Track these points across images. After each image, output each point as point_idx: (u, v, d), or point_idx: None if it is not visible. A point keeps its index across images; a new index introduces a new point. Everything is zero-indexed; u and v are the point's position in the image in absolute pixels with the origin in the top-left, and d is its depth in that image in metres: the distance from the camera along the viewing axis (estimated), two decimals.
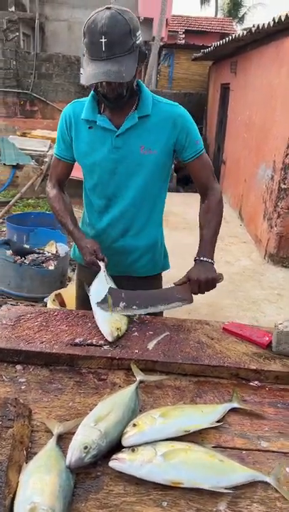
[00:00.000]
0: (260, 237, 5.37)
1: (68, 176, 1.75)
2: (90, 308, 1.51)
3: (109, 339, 1.32)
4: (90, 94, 1.57)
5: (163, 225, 1.79)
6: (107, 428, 0.98)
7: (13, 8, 10.90)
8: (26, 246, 4.30)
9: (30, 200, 7.13)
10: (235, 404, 1.14)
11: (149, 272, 1.78)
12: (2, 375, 1.22)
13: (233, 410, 1.14)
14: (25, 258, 4.10)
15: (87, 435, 0.96)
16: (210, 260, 1.57)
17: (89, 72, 1.35)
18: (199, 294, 1.53)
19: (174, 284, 1.54)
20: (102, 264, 1.55)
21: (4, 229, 5.32)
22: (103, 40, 1.31)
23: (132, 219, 1.64)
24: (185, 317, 3.36)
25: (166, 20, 12.18)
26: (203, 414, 1.07)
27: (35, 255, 4.24)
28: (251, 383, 1.25)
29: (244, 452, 1.02)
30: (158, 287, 1.82)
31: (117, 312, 1.43)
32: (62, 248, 4.30)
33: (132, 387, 1.13)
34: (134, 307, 1.46)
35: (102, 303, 1.44)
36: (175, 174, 8.79)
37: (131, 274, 1.74)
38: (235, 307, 3.79)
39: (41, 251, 4.31)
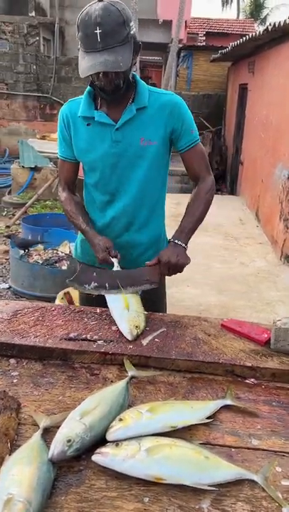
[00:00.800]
0: (276, 238, 5.28)
1: (76, 176, 1.74)
2: (93, 306, 1.52)
3: (129, 338, 1.31)
4: (85, 91, 1.56)
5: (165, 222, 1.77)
6: (92, 422, 0.96)
7: (33, 13, 11.06)
8: (29, 238, 4.36)
9: (47, 202, 7.20)
10: (228, 402, 1.11)
11: None
12: None
13: (227, 407, 1.11)
14: (28, 250, 4.17)
15: (72, 428, 0.95)
16: (183, 245, 1.56)
17: (85, 64, 1.35)
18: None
19: (146, 264, 1.54)
20: (115, 260, 1.54)
21: (20, 230, 5.39)
22: (98, 31, 1.31)
23: (135, 213, 1.64)
24: None
25: (186, 22, 12.16)
26: (193, 411, 1.05)
27: (49, 255, 4.28)
28: (247, 380, 1.22)
29: (233, 450, 0.99)
30: (162, 284, 1.79)
31: (88, 291, 1.48)
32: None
33: (123, 382, 1.12)
34: (105, 288, 1.48)
35: (73, 280, 1.48)
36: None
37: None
38: (249, 308, 3.73)
39: (50, 248, 4.37)
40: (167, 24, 12.31)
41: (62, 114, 1.61)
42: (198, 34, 17.24)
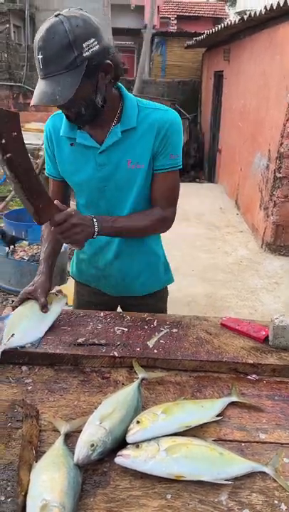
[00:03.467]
0: (256, 226, 5.40)
1: (65, 196, 1.60)
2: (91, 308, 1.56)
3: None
4: None
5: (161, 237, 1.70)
6: (111, 426, 1.02)
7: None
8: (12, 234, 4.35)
9: None
10: (234, 398, 1.19)
11: (150, 289, 1.69)
12: (9, 376, 1.26)
13: (233, 404, 1.18)
14: (14, 247, 4.16)
15: (93, 433, 1.00)
16: (96, 228, 1.34)
17: (34, 92, 1.22)
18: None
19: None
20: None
21: (2, 225, 5.34)
22: (40, 56, 1.17)
23: (128, 239, 1.55)
24: (185, 308, 3.42)
25: (158, 7, 12.07)
26: (203, 409, 1.12)
27: (34, 251, 4.28)
28: (249, 377, 1.30)
29: (243, 444, 1.06)
30: (162, 304, 1.77)
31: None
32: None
33: (135, 384, 1.18)
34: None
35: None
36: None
37: (131, 293, 1.66)
38: (234, 297, 3.84)
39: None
40: (140, 9, 12.21)
41: (46, 130, 1.49)
42: (170, 18, 17.12)
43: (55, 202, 1.28)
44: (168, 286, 1.81)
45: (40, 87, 1.19)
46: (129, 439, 1.01)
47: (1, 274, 4.13)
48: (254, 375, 1.30)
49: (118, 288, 1.63)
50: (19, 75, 10.54)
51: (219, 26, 6.95)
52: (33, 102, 1.21)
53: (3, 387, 1.21)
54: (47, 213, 1.26)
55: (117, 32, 11.83)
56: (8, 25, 10.40)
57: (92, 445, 0.98)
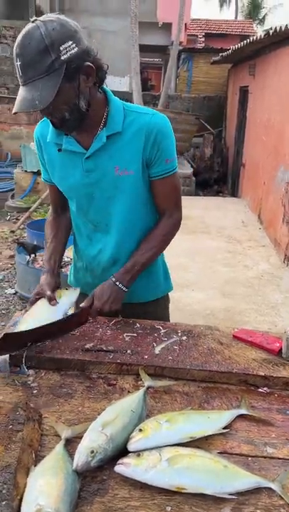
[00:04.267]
0: (279, 240, 5.32)
1: (62, 198, 1.59)
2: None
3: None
4: None
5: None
6: (113, 433, 1.00)
7: (34, 18, 11.09)
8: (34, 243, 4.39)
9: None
10: (243, 411, 1.14)
11: (149, 297, 1.65)
12: (15, 379, 1.25)
13: (241, 416, 1.14)
14: (35, 256, 4.21)
15: (94, 439, 0.98)
16: (124, 288, 1.46)
17: (16, 100, 1.21)
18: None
19: (81, 306, 1.45)
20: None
21: (25, 235, 5.43)
22: (18, 63, 1.16)
23: (122, 247, 1.51)
24: (202, 321, 3.38)
25: (185, 24, 12.23)
26: (210, 421, 1.08)
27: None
28: (260, 389, 1.25)
29: (250, 459, 1.02)
30: (163, 312, 1.73)
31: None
32: None
33: (140, 392, 1.15)
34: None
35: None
36: (194, 178, 8.78)
37: (130, 301, 1.58)
38: (254, 312, 3.77)
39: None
40: (167, 26, 12.39)
41: (35, 137, 1.49)
42: (197, 36, 17.30)
43: (81, 306, 1.44)
44: (169, 294, 1.78)
45: (21, 93, 1.19)
46: (131, 447, 0.98)
47: (22, 283, 4.17)
48: (265, 388, 1.25)
49: None
50: None
51: (245, 42, 6.97)
52: (14, 109, 1.21)
53: (9, 390, 1.20)
54: (84, 319, 1.45)
55: (144, 49, 12.03)
56: None
57: (92, 452, 0.95)
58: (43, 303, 1.46)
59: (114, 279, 1.46)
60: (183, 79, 13.19)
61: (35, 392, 1.21)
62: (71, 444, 1.02)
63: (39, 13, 11.57)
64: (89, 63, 1.24)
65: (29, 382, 1.24)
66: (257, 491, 0.94)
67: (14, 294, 4.27)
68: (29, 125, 10.78)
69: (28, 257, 4.20)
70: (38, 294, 1.49)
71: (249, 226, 6.25)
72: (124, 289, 1.46)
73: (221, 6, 29.89)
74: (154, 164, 1.41)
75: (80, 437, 1.01)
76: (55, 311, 1.43)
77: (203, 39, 17.24)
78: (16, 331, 1.36)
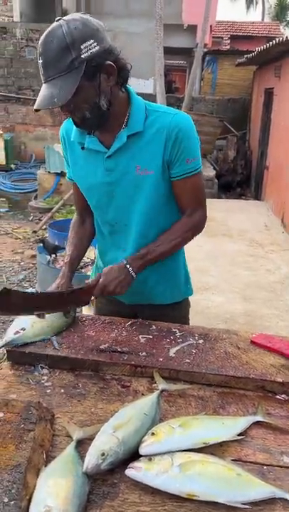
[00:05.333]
0: None
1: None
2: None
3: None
4: None
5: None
6: (125, 436, 0.98)
7: (58, 17, 11.22)
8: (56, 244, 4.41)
9: (73, 207, 7.29)
10: (259, 418, 1.11)
11: (169, 299, 1.63)
12: (29, 378, 1.25)
13: (257, 423, 1.11)
14: (56, 256, 4.23)
15: (105, 442, 0.96)
16: (133, 274, 1.42)
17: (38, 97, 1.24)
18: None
19: (86, 283, 1.45)
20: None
21: (47, 235, 5.48)
22: (40, 61, 1.20)
23: (142, 246, 1.48)
24: (220, 326, 3.33)
25: (211, 26, 12.17)
26: (224, 427, 1.05)
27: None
28: (278, 396, 1.22)
29: (265, 467, 0.99)
30: (182, 316, 1.70)
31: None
32: None
33: (154, 395, 1.13)
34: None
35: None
36: (216, 180, 8.71)
37: (151, 302, 1.61)
38: (275, 317, 3.70)
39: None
40: (192, 29, 12.35)
41: (60, 135, 1.51)
42: (222, 38, 17.22)
43: (87, 282, 1.45)
44: (190, 299, 1.75)
45: (42, 91, 1.22)
46: (142, 451, 0.97)
47: (42, 282, 4.20)
48: (283, 395, 1.22)
49: (135, 296, 1.56)
50: None
51: (270, 43, 6.88)
52: (35, 106, 1.24)
53: (22, 389, 1.20)
54: (87, 298, 1.44)
55: (169, 51, 12.02)
56: None
57: (103, 454, 0.94)
58: None
59: (125, 262, 1.42)
60: (207, 81, 13.13)
61: (48, 391, 1.20)
62: (82, 445, 1.01)
63: (65, 15, 11.70)
64: (110, 62, 1.24)
65: (43, 382, 1.24)
66: (271, 501, 0.90)
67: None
68: (53, 127, 10.92)
69: (48, 256, 4.23)
70: None
71: (272, 229, 6.16)
72: (133, 274, 1.42)
73: (248, 7, 29.68)
74: (174, 164, 1.40)
75: (92, 439, 0.99)
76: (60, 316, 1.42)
77: (228, 41, 17.14)
78: (12, 324, 1.36)
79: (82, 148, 1.42)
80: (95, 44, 1.20)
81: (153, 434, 0.99)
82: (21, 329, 1.28)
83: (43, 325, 1.32)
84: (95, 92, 1.25)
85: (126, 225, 1.48)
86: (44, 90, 1.21)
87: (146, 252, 1.45)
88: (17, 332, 1.27)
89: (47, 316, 1.35)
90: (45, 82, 1.21)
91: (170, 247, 1.48)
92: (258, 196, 8.90)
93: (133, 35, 11.76)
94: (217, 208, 6.69)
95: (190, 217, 1.50)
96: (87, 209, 1.60)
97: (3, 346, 1.26)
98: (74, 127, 1.40)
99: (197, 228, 1.52)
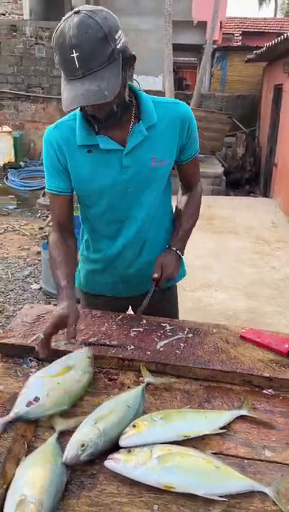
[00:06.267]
0: None
1: (70, 213, 1.49)
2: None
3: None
4: (74, 115, 1.36)
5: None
6: (106, 427, 0.99)
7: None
8: None
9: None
10: (244, 412, 1.11)
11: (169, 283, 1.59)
12: (17, 370, 1.26)
13: (242, 418, 1.10)
14: None
15: (86, 433, 0.97)
16: (180, 254, 1.52)
17: (67, 95, 1.14)
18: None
19: (153, 277, 1.44)
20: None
21: None
22: (74, 54, 1.09)
23: (147, 235, 1.50)
24: (224, 323, 3.31)
25: (221, 23, 12.08)
26: (207, 420, 1.05)
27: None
28: (264, 391, 1.21)
29: (246, 461, 0.99)
30: (175, 296, 1.76)
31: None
32: None
33: (139, 388, 1.13)
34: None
35: None
36: (224, 177, 8.67)
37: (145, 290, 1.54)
38: (278, 314, 3.67)
39: None
40: (202, 25, 12.26)
41: (51, 142, 1.38)
42: (233, 34, 17.07)
43: (154, 277, 1.44)
44: (191, 294, 1.78)
45: (78, 87, 1.12)
46: (122, 442, 0.97)
47: (46, 278, 4.22)
48: (270, 390, 1.21)
49: (141, 286, 1.54)
50: None
51: (279, 38, 6.81)
52: (73, 104, 1.14)
53: (10, 381, 1.21)
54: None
55: (180, 48, 11.95)
56: None
57: (83, 445, 0.94)
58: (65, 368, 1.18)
59: (174, 248, 1.51)
60: (217, 78, 13.05)
61: None
62: (64, 437, 1.02)
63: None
64: (134, 53, 1.22)
65: (31, 374, 1.24)
66: (250, 494, 0.90)
67: (39, 289, 4.33)
68: None
69: None
70: (61, 318, 1.24)
71: (279, 227, 6.11)
72: (180, 254, 1.51)
73: (260, 4, 29.39)
74: (187, 149, 1.47)
75: (72, 430, 1.00)
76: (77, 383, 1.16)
77: (240, 37, 16.99)
78: (24, 390, 1.10)
79: (89, 151, 1.35)
80: (122, 35, 1.17)
81: (134, 426, 0.99)
82: (35, 399, 1.04)
83: (60, 393, 1.08)
84: (123, 84, 1.22)
85: (135, 217, 1.46)
86: (84, 85, 1.11)
87: (183, 232, 1.55)
88: (30, 403, 1.03)
89: (62, 382, 1.12)
90: (82, 77, 1.11)
91: (193, 220, 1.59)
92: (266, 193, 8.83)
93: (142, 33, 11.72)
94: (224, 205, 6.66)
95: (196, 189, 1.63)
96: (68, 226, 1.49)
97: (15, 421, 1.01)
98: (77, 131, 1.33)
99: (201, 197, 1.65)
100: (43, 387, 1.08)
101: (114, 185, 1.39)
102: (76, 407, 1.12)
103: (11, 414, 1.01)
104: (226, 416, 1.08)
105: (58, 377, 1.11)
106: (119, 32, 1.15)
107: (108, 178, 1.38)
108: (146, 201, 1.45)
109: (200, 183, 1.66)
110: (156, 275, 1.44)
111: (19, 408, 1.02)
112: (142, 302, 1.48)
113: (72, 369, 1.15)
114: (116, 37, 1.13)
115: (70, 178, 1.41)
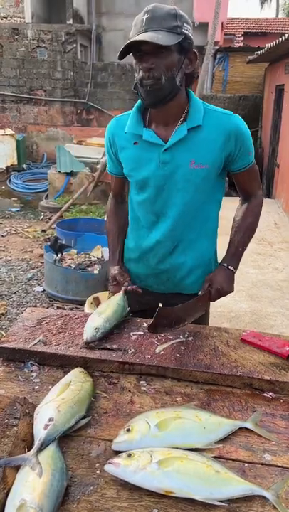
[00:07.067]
0: None
1: (123, 188, 1.73)
2: None
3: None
4: (134, 106, 1.50)
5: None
6: (107, 316, 1.40)
7: (71, 21, 11.28)
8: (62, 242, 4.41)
9: (82, 206, 7.33)
10: (248, 425, 1.08)
11: (199, 289, 1.59)
12: (18, 374, 1.27)
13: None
14: (62, 254, 4.25)
15: (96, 320, 1.37)
16: (234, 270, 1.57)
17: (126, 45, 1.29)
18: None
19: (199, 293, 1.51)
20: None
21: (55, 234, 5.52)
22: (145, 16, 1.28)
23: (182, 235, 1.55)
24: (226, 324, 3.30)
25: (222, 24, 12.08)
26: (204, 432, 1.03)
27: (82, 259, 4.37)
28: (265, 394, 1.21)
29: (246, 465, 0.98)
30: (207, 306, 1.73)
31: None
32: (107, 253, 4.38)
33: (121, 293, 1.55)
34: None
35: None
36: (227, 178, 8.65)
37: (181, 291, 1.63)
38: (281, 316, 3.66)
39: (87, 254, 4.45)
40: (203, 26, 12.26)
41: (108, 131, 1.57)
42: (235, 35, 17.05)
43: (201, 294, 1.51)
44: None
45: (139, 36, 1.26)
46: (115, 447, 0.98)
47: (49, 281, 4.24)
48: (271, 393, 1.21)
49: (169, 284, 1.62)
50: (83, 92, 10.92)
51: (280, 39, 6.80)
52: (127, 45, 1.28)
53: (11, 385, 1.22)
54: (206, 305, 1.60)
55: None
56: (75, 45, 10.82)
57: (96, 328, 1.34)
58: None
59: (225, 264, 1.57)
60: (218, 79, 13.05)
61: (36, 387, 1.21)
62: (64, 441, 1.02)
63: (76, 16, 11.73)
64: (195, 50, 1.37)
65: (32, 378, 1.25)
66: (249, 498, 0.90)
67: (42, 291, 4.34)
68: (65, 126, 10.98)
69: (55, 255, 4.27)
70: (116, 280, 1.64)
71: (282, 228, 6.10)
72: (234, 270, 1.57)
73: (262, 4, 29.39)
74: (237, 160, 1.48)
75: (74, 434, 1.01)
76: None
77: (241, 38, 16.97)
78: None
79: (135, 143, 1.47)
80: (191, 31, 1.35)
81: (128, 430, 0.99)
82: (49, 420, 1.04)
83: (70, 404, 1.09)
84: (177, 67, 1.34)
85: (170, 215, 1.52)
86: (142, 36, 1.26)
87: (237, 246, 1.59)
88: (46, 426, 1.02)
89: (67, 396, 1.12)
90: (143, 32, 1.27)
91: (251, 230, 1.62)
92: (269, 194, 8.81)
93: None
94: (225, 206, 6.55)
95: (255, 199, 1.63)
96: (122, 197, 1.77)
97: (41, 449, 0.97)
98: (129, 120, 1.48)
99: (261, 206, 1.65)
100: (51, 408, 1.07)
101: (152, 179, 1.48)
102: None
103: (36, 445, 0.97)
104: (226, 427, 1.06)
105: (61, 395, 1.11)
106: (189, 26, 1.33)
107: (147, 171, 1.48)
108: (181, 202, 1.49)
109: (261, 192, 1.65)
110: (200, 292, 1.52)
111: (40, 435, 0.99)
112: (174, 301, 1.46)
113: (71, 384, 1.16)
114: (184, 24, 1.32)
115: (121, 165, 1.58)
